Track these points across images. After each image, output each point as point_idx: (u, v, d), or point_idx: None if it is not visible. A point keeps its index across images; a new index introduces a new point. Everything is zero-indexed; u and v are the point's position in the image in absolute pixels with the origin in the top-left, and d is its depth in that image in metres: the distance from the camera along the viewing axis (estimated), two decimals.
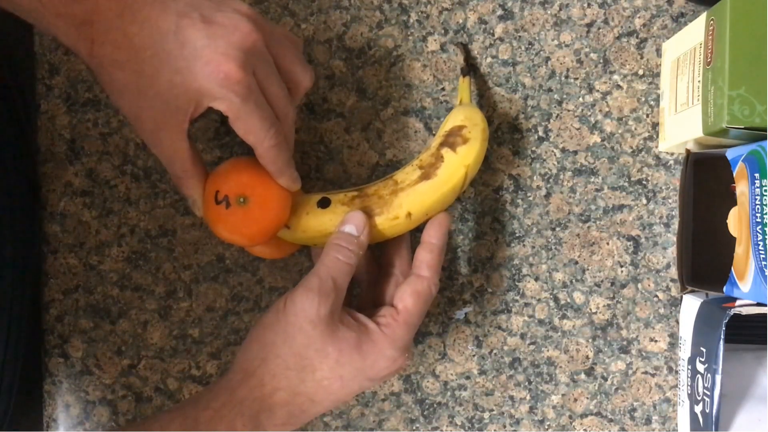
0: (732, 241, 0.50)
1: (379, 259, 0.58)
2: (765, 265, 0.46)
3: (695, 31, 0.52)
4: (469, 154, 0.54)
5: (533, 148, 0.60)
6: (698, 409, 0.53)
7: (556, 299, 0.60)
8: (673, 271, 0.60)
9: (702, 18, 0.52)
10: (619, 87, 0.60)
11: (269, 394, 0.50)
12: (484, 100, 0.60)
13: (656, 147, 0.60)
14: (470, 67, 0.59)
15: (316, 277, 0.51)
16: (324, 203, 0.55)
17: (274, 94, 0.49)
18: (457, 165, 0.54)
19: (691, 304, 0.56)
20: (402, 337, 0.52)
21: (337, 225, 0.53)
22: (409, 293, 0.53)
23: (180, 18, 0.46)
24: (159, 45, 0.46)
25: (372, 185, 0.56)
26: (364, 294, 0.57)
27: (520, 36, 0.60)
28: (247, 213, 0.52)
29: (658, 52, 0.59)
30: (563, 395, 0.61)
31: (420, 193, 0.54)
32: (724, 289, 0.51)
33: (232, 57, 0.46)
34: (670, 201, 0.60)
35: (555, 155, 0.60)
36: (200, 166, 0.52)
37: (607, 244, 0.60)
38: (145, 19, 0.46)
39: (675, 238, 0.59)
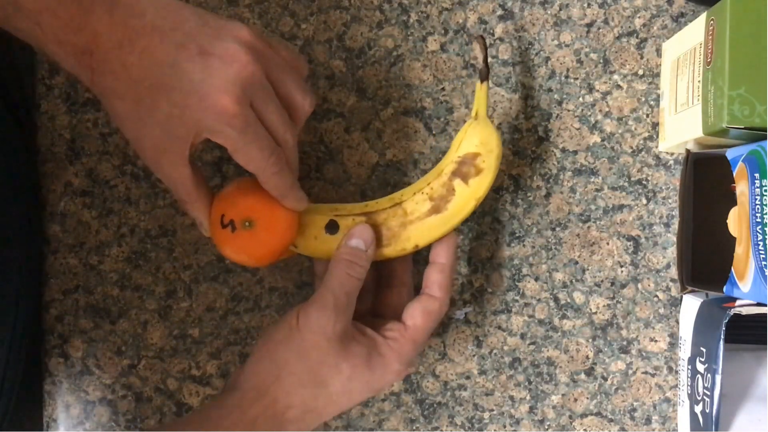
0: (732, 241, 0.50)
1: (377, 266, 0.57)
2: (765, 265, 0.46)
3: (695, 31, 0.52)
4: (481, 187, 0.54)
5: (533, 148, 0.60)
6: (698, 409, 0.53)
7: (556, 299, 0.60)
8: (673, 271, 0.60)
9: (702, 18, 0.52)
10: (619, 87, 0.60)
11: (282, 411, 0.50)
12: None
13: (656, 147, 0.60)
14: (488, 69, 0.55)
15: (330, 294, 0.51)
16: (332, 228, 0.54)
17: (274, 122, 0.49)
18: (468, 198, 0.54)
19: (691, 304, 0.56)
20: (408, 353, 0.53)
21: (345, 237, 0.54)
22: (420, 312, 0.53)
23: (178, 50, 0.46)
24: (157, 77, 0.46)
25: (381, 209, 0.55)
26: (358, 300, 0.57)
27: (520, 36, 0.60)
28: (253, 236, 0.52)
29: (658, 52, 0.59)
30: (563, 395, 0.61)
31: (429, 228, 0.54)
32: (724, 289, 0.51)
33: (227, 91, 0.46)
34: (670, 201, 0.60)
35: (555, 155, 0.60)
36: (204, 189, 0.52)
37: (607, 244, 0.60)
38: (143, 50, 0.45)
39: (675, 238, 0.59)
